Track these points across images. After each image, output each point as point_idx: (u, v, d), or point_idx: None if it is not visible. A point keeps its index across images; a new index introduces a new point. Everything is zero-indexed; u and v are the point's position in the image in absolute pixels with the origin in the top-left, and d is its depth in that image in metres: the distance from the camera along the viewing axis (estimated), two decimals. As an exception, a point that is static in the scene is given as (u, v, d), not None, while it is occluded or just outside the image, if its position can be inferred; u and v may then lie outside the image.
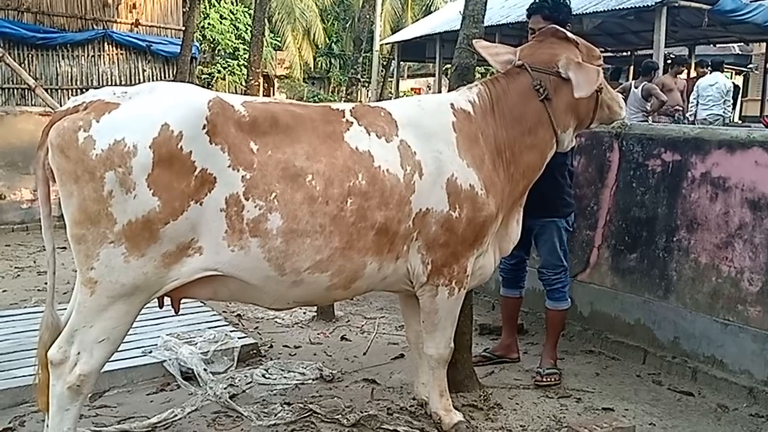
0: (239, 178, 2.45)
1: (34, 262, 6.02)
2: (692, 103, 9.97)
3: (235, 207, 2.45)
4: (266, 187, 2.48)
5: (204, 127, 2.41)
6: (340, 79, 24.42)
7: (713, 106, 9.14)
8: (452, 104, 2.98)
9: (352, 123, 2.74)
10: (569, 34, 3.15)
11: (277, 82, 24.33)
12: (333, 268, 2.64)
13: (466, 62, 3.50)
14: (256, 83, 5.77)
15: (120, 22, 9.97)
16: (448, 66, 23.15)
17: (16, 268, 5.85)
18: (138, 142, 2.31)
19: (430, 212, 2.79)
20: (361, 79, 5.03)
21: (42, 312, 4.38)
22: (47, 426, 2.57)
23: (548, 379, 3.69)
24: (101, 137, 2.29)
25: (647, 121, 8.67)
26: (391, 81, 19.62)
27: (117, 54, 9.97)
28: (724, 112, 9.15)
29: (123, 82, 9.98)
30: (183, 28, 9.41)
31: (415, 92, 25.35)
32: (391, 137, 2.77)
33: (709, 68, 10.04)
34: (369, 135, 2.73)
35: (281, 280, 2.59)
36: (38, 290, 5.17)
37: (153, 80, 10.15)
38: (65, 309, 4.29)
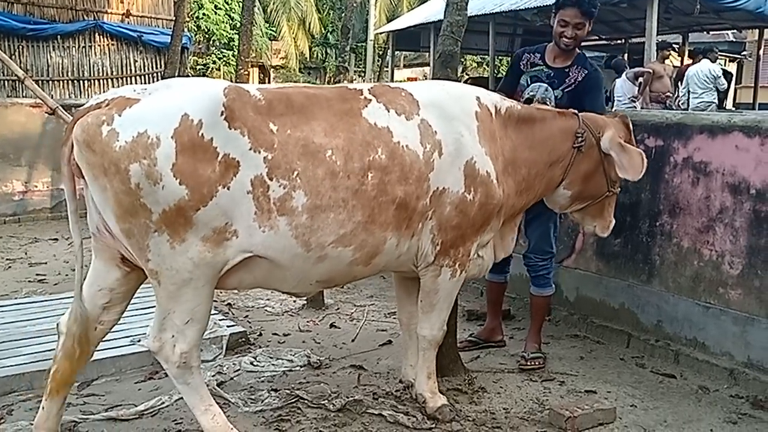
0: (261, 160, 2.51)
1: (26, 253, 6.02)
2: (683, 91, 9.98)
3: (261, 188, 2.51)
4: (288, 165, 2.55)
5: (222, 114, 2.47)
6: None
7: (703, 93, 9.18)
8: (478, 97, 3.07)
9: (370, 100, 2.81)
10: (631, 127, 3.41)
11: (273, 72, 24.22)
12: (356, 242, 2.70)
13: (450, 49, 3.51)
14: (246, 72, 5.76)
15: (111, 13, 9.91)
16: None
17: (7, 259, 5.86)
18: (160, 133, 2.38)
19: (447, 192, 2.86)
20: (349, 68, 5.02)
21: (33, 303, 4.46)
22: (40, 409, 2.66)
23: (532, 363, 3.73)
24: (124, 130, 2.36)
25: (635, 107, 8.68)
26: (387, 71, 19.57)
27: (108, 45, 9.90)
28: (714, 98, 9.16)
29: (114, 73, 9.95)
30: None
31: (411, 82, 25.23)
32: (411, 116, 2.84)
33: (700, 56, 10.04)
34: (388, 112, 2.80)
35: (307, 256, 2.65)
36: (29, 281, 5.20)
37: (144, 71, 10.11)
38: (62, 298, 4.33)
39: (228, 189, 2.47)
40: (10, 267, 5.66)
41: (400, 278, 3.34)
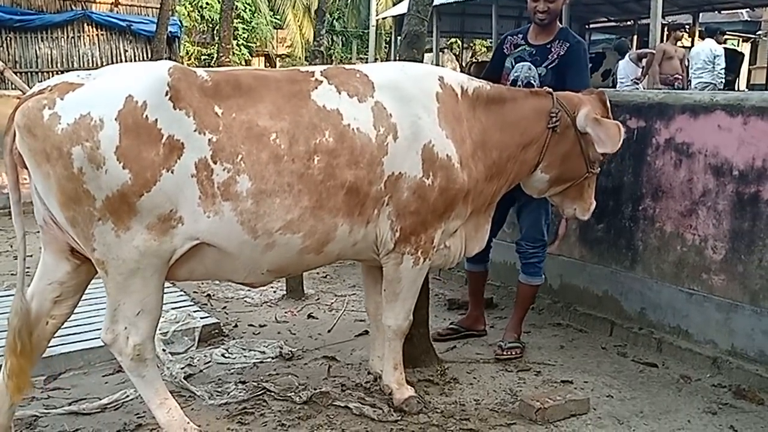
0: (206, 142, 2.45)
1: (11, 246, 6.00)
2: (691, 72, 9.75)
3: (204, 171, 2.45)
4: (232, 149, 2.48)
5: (167, 94, 2.42)
6: (342, 57, 24.17)
7: (702, 73, 8.96)
8: (441, 77, 2.95)
9: (321, 82, 2.72)
10: (608, 104, 3.24)
11: (279, 61, 24.11)
12: (305, 229, 2.62)
13: (416, 29, 3.39)
14: (227, 60, 5.66)
15: (99, 2, 9.83)
16: (453, 40, 22.46)
17: (-7, 252, 5.86)
18: (104, 115, 2.33)
19: (403, 177, 2.76)
20: (325, 53, 4.90)
21: (10, 296, 4.40)
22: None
23: (509, 353, 3.63)
24: (66, 113, 2.31)
25: (638, 89, 8.48)
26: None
27: (97, 35, 9.83)
28: (713, 78, 8.93)
29: (104, 63, 9.87)
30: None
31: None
32: (364, 98, 2.74)
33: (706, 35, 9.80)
34: (339, 94, 2.71)
35: (255, 243, 2.58)
36: (12, 274, 5.15)
37: (135, 60, 10.03)
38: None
39: (172, 173, 2.40)
40: (-6, 260, 5.65)
41: (368, 268, 3.25)
